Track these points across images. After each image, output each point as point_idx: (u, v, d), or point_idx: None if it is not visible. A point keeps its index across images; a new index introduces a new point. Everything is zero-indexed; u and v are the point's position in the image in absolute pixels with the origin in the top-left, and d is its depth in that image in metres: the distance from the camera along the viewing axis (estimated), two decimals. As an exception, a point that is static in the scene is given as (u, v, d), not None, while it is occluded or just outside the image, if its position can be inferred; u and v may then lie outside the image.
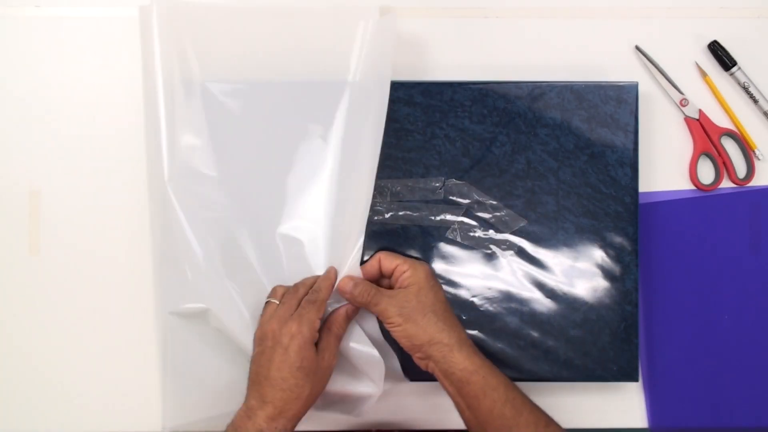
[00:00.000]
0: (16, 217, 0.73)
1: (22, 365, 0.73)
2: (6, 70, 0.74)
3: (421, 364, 0.64)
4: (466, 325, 0.69)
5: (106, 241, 0.73)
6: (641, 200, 0.73)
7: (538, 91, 0.71)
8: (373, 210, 0.70)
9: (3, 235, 0.74)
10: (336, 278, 0.67)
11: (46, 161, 0.74)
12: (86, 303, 0.73)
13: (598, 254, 0.70)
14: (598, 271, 0.70)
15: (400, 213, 0.71)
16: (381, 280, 0.68)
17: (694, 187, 0.75)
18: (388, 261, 0.66)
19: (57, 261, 0.73)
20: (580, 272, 0.70)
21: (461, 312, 0.70)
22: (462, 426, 0.64)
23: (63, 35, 0.74)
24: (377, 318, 0.68)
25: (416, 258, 0.70)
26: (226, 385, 0.69)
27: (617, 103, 0.71)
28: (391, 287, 0.66)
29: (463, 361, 0.61)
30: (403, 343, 0.63)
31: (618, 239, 0.70)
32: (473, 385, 0.61)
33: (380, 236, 0.70)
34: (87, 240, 0.73)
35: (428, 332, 0.62)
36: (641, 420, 0.74)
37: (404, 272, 0.65)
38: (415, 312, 0.62)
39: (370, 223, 0.70)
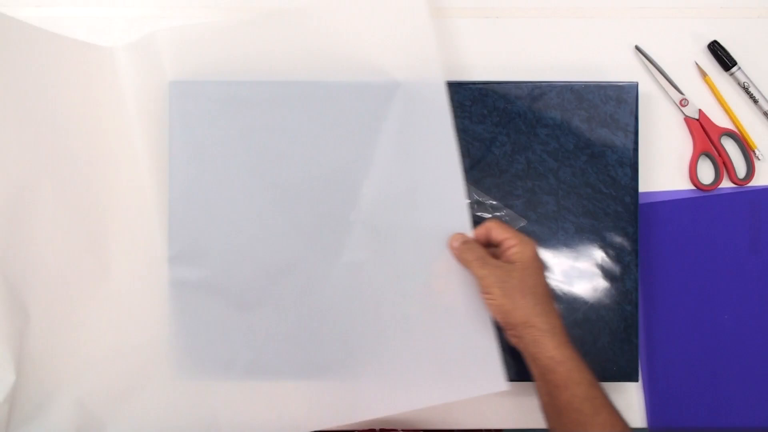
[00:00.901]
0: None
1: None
2: (6, 70, 0.74)
3: (512, 341, 0.63)
4: (466, 325, 0.69)
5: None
6: (641, 200, 0.73)
7: (538, 91, 0.71)
8: (373, 210, 0.70)
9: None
10: None
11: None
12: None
13: (598, 254, 0.70)
14: (598, 271, 0.70)
15: (400, 213, 0.71)
16: (487, 248, 0.66)
17: (694, 187, 0.75)
18: (497, 231, 0.64)
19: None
20: (580, 272, 0.70)
21: (461, 312, 0.70)
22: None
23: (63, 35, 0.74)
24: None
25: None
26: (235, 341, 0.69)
27: (617, 103, 0.71)
28: (495, 257, 0.64)
29: (552, 350, 0.60)
30: (498, 318, 0.62)
31: (618, 239, 0.70)
32: (557, 375, 0.60)
33: (380, 236, 0.70)
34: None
35: (524, 313, 0.61)
36: (641, 420, 0.74)
37: (512, 246, 0.63)
38: (515, 290, 0.61)
39: (370, 223, 0.70)
